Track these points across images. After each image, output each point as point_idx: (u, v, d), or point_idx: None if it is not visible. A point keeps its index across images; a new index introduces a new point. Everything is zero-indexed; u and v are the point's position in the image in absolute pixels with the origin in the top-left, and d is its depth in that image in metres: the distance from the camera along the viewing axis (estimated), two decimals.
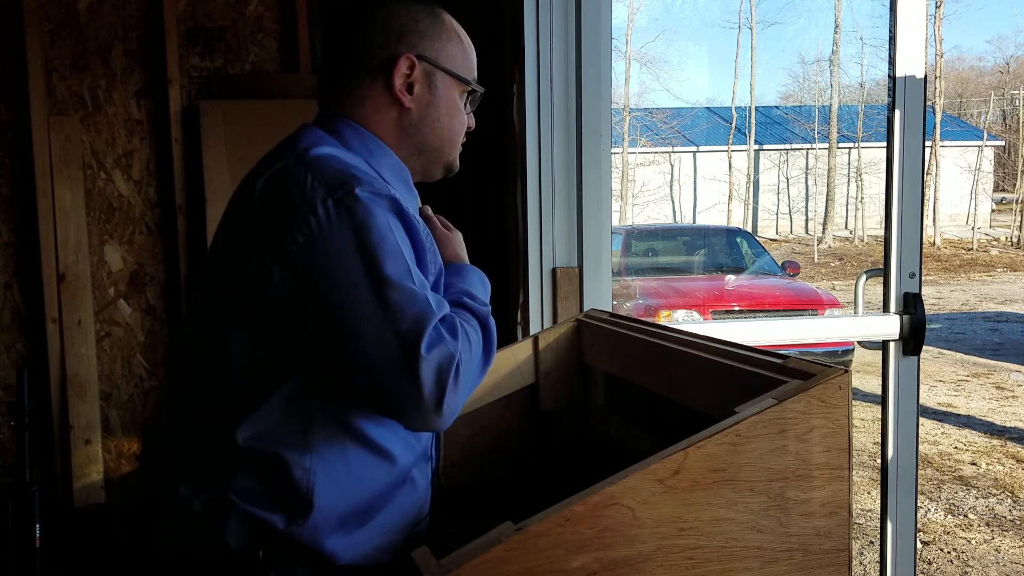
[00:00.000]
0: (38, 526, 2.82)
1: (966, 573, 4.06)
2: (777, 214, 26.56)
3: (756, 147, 25.78)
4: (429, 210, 1.37)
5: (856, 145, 25.32)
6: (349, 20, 1.25)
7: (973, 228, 23.63)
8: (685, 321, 7.72)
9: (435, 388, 1.04)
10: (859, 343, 2.39)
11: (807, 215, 26.63)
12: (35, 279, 3.19)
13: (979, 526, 4.63)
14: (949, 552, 4.29)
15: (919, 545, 4.23)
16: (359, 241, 1.06)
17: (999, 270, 19.16)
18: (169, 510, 1.20)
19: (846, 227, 25.43)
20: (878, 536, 2.75)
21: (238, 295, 1.14)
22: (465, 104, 1.31)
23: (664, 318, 7.74)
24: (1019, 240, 22.83)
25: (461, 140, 1.32)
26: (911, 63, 2.21)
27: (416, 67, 1.23)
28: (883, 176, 2.34)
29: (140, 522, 3.09)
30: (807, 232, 25.44)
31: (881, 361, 2.32)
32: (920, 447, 3.19)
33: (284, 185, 1.11)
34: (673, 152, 26.28)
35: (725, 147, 25.85)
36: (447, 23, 1.28)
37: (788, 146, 26.28)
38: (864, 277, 2.52)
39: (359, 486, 1.17)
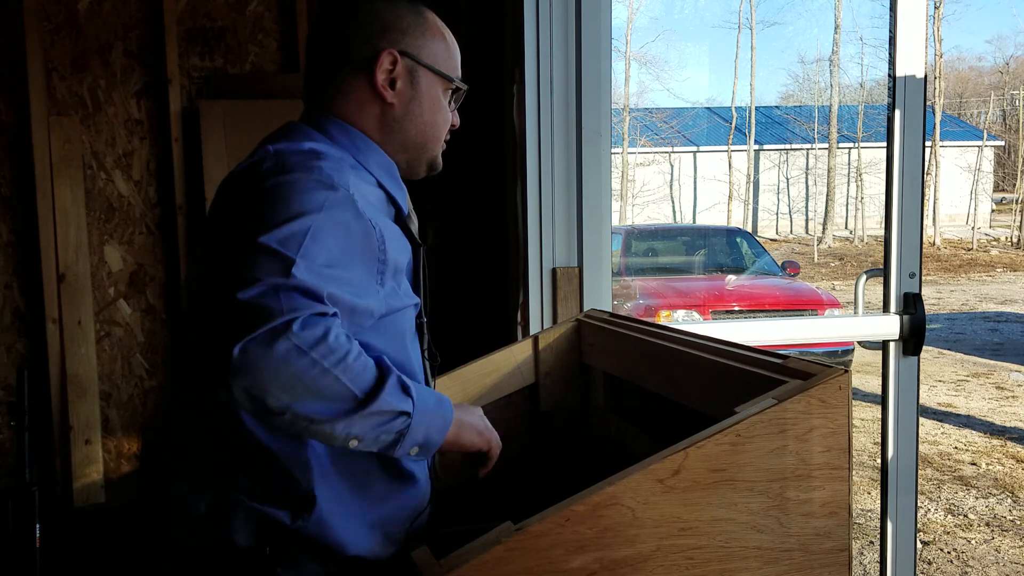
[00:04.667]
0: (38, 526, 2.82)
1: (966, 573, 4.06)
2: (777, 214, 26.55)
3: (756, 147, 25.77)
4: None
5: (856, 145, 25.30)
6: (333, 16, 1.26)
7: (973, 228, 23.60)
8: (685, 321, 7.72)
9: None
10: (859, 343, 2.39)
11: (807, 215, 26.62)
12: (35, 279, 3.19)
13: (979, 526, 4.63)
14: (949, 552, 4.29)
15: (919, 545, 4.23)
16: (282, 215, 1.04)
17: (999, 270, 19.15)
18: (173, 510, 1.20)
19: (846, 227, 25.41)
20: (878, 536, 2.75)
21: (213, 285, 1.14)
22: (449, 102, 1.31)
23: (664, 318, 7.73)
24: (1019, 240, 22.81)
25: (444, 137, 1.33)
26: (911, 63, 2.21)
27: (398, 63, 1.24)
28: (883, 176, 2.34)
29: (140, 522, 3.09)
30: (807, 232, 25.43)
31: (881, 361, 2.32)
32: (920, 447, 3.19)
33: (250, 172, 1.14)
34: (673, 152, 26.26)
35: (725, 147, 25.84)
36: (430, 20, 1.28)
37: (788, 146, 26.26)
38: (864, 277, 2.52)
39: (359, 480, 1.17)
